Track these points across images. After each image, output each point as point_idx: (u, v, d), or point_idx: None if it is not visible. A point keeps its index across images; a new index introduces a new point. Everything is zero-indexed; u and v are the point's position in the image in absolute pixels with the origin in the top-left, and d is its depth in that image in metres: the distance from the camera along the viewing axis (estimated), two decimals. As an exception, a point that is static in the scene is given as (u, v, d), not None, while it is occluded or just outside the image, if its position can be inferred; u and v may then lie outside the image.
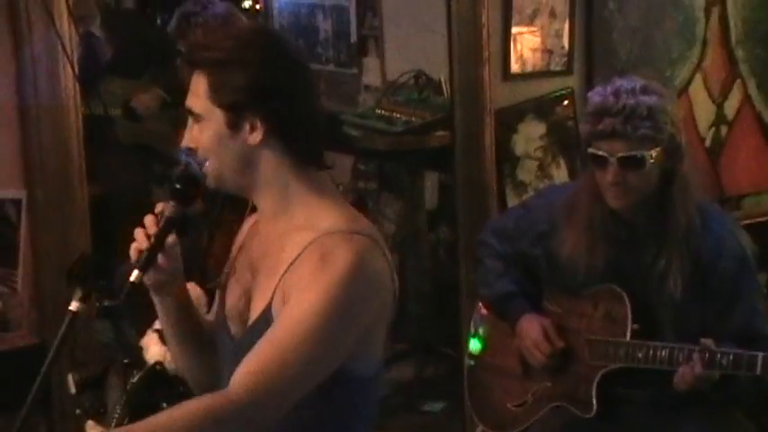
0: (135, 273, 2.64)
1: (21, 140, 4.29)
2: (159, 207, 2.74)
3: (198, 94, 2.67)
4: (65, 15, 4.28)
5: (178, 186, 2.78)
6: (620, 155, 3.75)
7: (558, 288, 4.12)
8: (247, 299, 2.79)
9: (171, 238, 2.72)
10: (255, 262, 2.80)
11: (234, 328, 2.80)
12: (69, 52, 4.30)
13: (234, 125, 2.64)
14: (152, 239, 2.69)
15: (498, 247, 4.24)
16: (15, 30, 4.24)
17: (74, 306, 2.81)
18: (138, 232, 2.72)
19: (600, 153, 3.80)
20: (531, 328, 4.04)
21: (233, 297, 2.84)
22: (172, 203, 2.72)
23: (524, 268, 4.19)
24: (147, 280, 2.71)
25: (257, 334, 2.61)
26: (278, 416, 2.60)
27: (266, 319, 2.64)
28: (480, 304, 4.39)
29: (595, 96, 3.86)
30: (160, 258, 2.70)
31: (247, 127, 2.64)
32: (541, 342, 4.01)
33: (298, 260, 2.61)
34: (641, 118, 3.74)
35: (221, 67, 2.65)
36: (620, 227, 3.95)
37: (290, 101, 2.68)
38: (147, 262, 2.66)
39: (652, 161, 3.77)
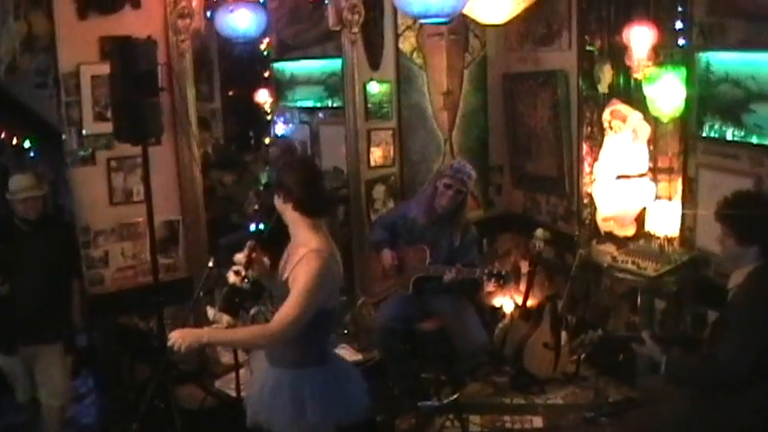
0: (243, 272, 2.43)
1: (180, 197, 3.90)
2: (249, 244, 2.48)
3: None
4: (195, 145, 3.87)
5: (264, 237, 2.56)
6: (453, 186, 3.56)
7: (404, 240, 3.75)
8: (282, 271, 2.49)
9: (254, 255, 2.47)
10: (289, 256, 2.50)
11: (279, 282, 2.49)
12: (197, 159, 3.93)
13: (279, 197, 2.45)
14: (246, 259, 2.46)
15: (378, 224, 3.85)
16: (176, 150, 3.85)
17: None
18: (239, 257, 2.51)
19: (446, 182, 3.57)
20: (387, 255, 3.70)
21: (281, 268, 2.52)
22: (252, 242, 2.46)
23: (391, 231, 3.78)
24: (252, 273, 2.47)
25: (283, 288, 2.41)
26: (294, 334, 2.36)
27: (287, 284, 2.40)
28: (368, 246, 3.94)
29: (450, 162, 3.83)
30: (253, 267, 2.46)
31: (281, 199, 2.45)
32: (390, 262, 3.67)
33: (299, 262, 2.40)
34: (463, 173, 3.59)
35: (277, 176, 2.49)
36: (436, 216, 3.65)
37: (298, 190, 2.43)
38: (245, 268, 2.42)
39: (464, 192, 3.60)
